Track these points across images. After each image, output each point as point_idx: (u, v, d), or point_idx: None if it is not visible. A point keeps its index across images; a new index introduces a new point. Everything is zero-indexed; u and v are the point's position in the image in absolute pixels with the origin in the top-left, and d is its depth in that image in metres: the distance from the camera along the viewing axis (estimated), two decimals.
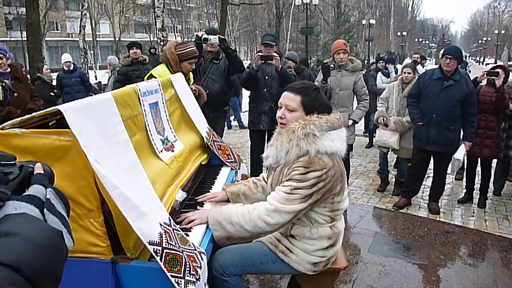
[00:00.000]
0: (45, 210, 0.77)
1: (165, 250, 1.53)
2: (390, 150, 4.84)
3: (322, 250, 2.01)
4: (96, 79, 11.74)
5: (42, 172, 0.87)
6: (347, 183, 4.75)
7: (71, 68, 7.31)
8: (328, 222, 2.00)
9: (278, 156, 1.96)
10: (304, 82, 2.11)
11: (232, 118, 9.91)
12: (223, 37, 4.07)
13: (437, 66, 4.21)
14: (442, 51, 4.27)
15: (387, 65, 7.18)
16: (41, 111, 1.65)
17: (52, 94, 6.84)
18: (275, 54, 4.09)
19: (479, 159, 4.60)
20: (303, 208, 1.87)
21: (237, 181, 2.97)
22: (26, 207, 0.75)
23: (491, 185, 4.76)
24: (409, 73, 4.62)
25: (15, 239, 0.66)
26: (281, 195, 1.87)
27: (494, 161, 4.70)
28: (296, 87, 2.01)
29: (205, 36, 3.89)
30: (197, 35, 3.99)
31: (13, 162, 0.85)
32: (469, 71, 9.05)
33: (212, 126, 3.81)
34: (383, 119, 4.64)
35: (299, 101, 1.95)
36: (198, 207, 2.21)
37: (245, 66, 4.47)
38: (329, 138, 1.88)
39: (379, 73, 7.09)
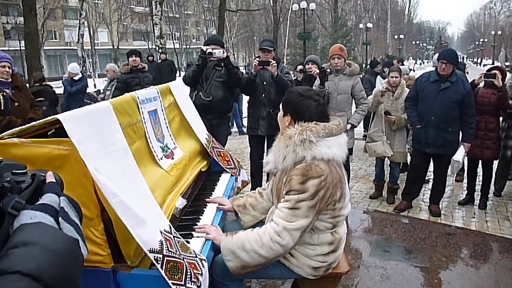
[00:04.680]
0: (59, 218, 0.77)
1: (165, 258, 1.53)
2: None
3: (322, 256, 2.00)
4: (95, 87, 11.76)
5: (54, 180, 0.87)
6: (349, 187, 4.75)
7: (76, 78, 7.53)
8: (329, 228, 1.99)
9: (276, 162, 1.95)
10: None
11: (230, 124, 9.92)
12: (227, 54, 4.09)
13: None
14: (437, 55, 4.28)
15: (384, 69, 7.21)
16: (40, 121, 1.65)
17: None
18: (272, 61, 4.11)
19: (479, 160, 4.60)
20: (310, 222, 1.85)
21: (237, 187, 2.98)
22: (41, 216, 0.75)
23: (491, 186, 4.75)
24: (396, 77, 4.63)
25: (34, 248, 0.66)
26: (285, 212, 1.84)
27: (495, 162, 4.70)
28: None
29: (209, 50, 3.91)
30: (201, 49, 4.00)
31: (24, 171, 0.84)
32: (467, 73, 9.12)
33: (216, 133, 3.84)
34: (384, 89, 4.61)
35: (281, 104, 2.09)
36: (199, 214, 2.21)
37: (243, 72, 4.48)
38: (325, 144, 1.86)
39: (378, 76, 7.11)
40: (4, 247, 0.67)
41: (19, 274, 0.61)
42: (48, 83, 7.22)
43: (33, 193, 0.80)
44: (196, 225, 2.06)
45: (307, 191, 1.81)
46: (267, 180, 4.47)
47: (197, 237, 1.96)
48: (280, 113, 2.07)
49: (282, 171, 1.95)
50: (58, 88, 7.71)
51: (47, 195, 0.81)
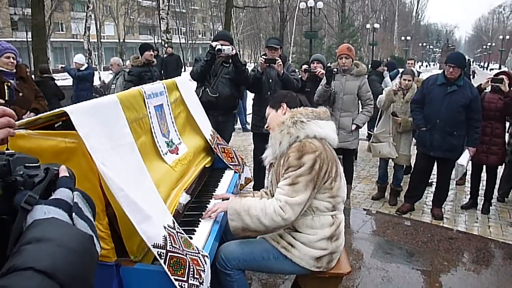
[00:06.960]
0: (73, 214, 0.75)
1: (169, 253, 1.53)
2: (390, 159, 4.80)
3: (324, 241, 2.04)
4: (100, 80, 11.72)
5: (67, 175, 0.84)
6: (351, 187, 4.75)
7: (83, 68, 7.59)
8: (329, 209, 2.06)
9: (274, 150, 2.11)
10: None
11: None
12: (236, 51, 4.07)
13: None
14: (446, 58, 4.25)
15: (384, 69, 7.24)
16: (47, 113, 1.65)
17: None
18: (278, 59, 4.09)
19: (484, 165, 4.57)
20: (309, 196, 1.96)
21: (241, 184, 2.98)
22: (55, 212, 0.72)
23: (495, 191, 4.73)
24: (409, 80, 4.60)
25: (48, 245, 0.64)
26: (286, 189, 1.96)
27: (499, 167, 4.67)
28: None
29: (218, 47, 3.89)
30: (211, 45, 3.97)
31: (37, 165, 0.82)
32: (473, 76, 9.08)
33: (221, 129, 3.83)
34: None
35: (269, 106, 2.30)
36: (202, 210, 2.22)
37: (249, 70, 4.47)
38: (317, 125, 2.05)
39: (388, 77, 7.13)
40: (17, 243, 0.65)
41: (33, 271, 0.59)
42: (53, 75, 7.24)
43: (46, 188, 0.78)
44: (200, 221, 2.06)
45: (303, 165, 1.94)
46: None
47: (209, 218, 2.07)
48: (272, 112, 2.25)
49: (280, 157, 2.08)
50: (65, 80, 7.70)
51: (60, 189, 0.78)
